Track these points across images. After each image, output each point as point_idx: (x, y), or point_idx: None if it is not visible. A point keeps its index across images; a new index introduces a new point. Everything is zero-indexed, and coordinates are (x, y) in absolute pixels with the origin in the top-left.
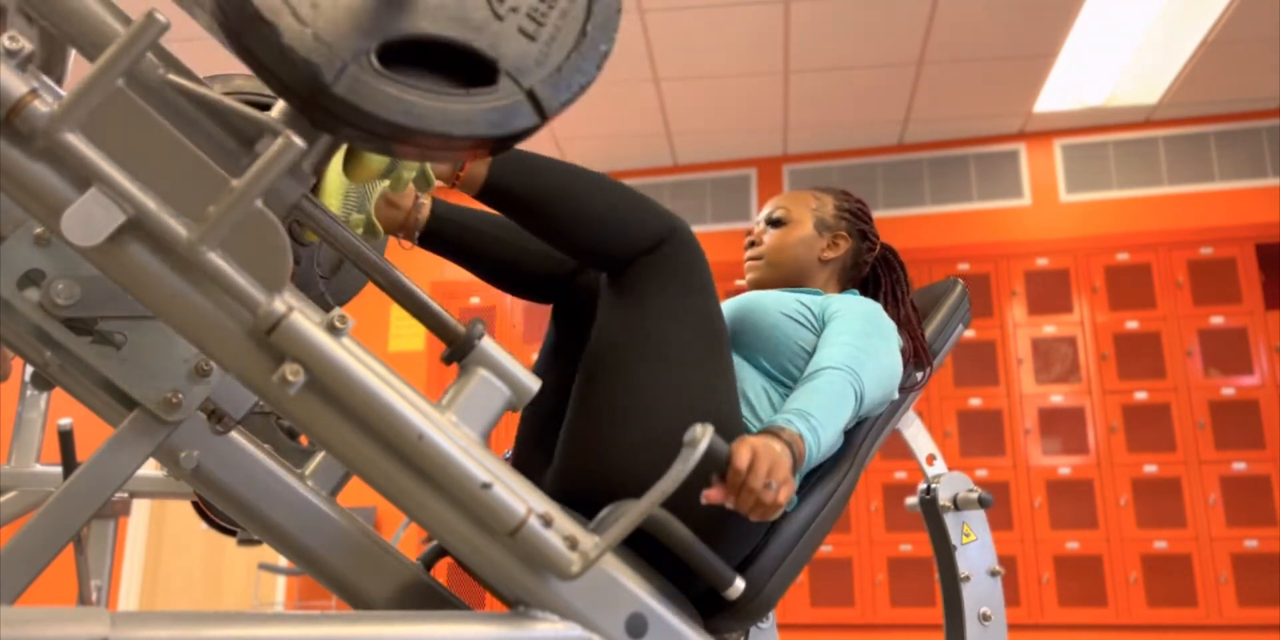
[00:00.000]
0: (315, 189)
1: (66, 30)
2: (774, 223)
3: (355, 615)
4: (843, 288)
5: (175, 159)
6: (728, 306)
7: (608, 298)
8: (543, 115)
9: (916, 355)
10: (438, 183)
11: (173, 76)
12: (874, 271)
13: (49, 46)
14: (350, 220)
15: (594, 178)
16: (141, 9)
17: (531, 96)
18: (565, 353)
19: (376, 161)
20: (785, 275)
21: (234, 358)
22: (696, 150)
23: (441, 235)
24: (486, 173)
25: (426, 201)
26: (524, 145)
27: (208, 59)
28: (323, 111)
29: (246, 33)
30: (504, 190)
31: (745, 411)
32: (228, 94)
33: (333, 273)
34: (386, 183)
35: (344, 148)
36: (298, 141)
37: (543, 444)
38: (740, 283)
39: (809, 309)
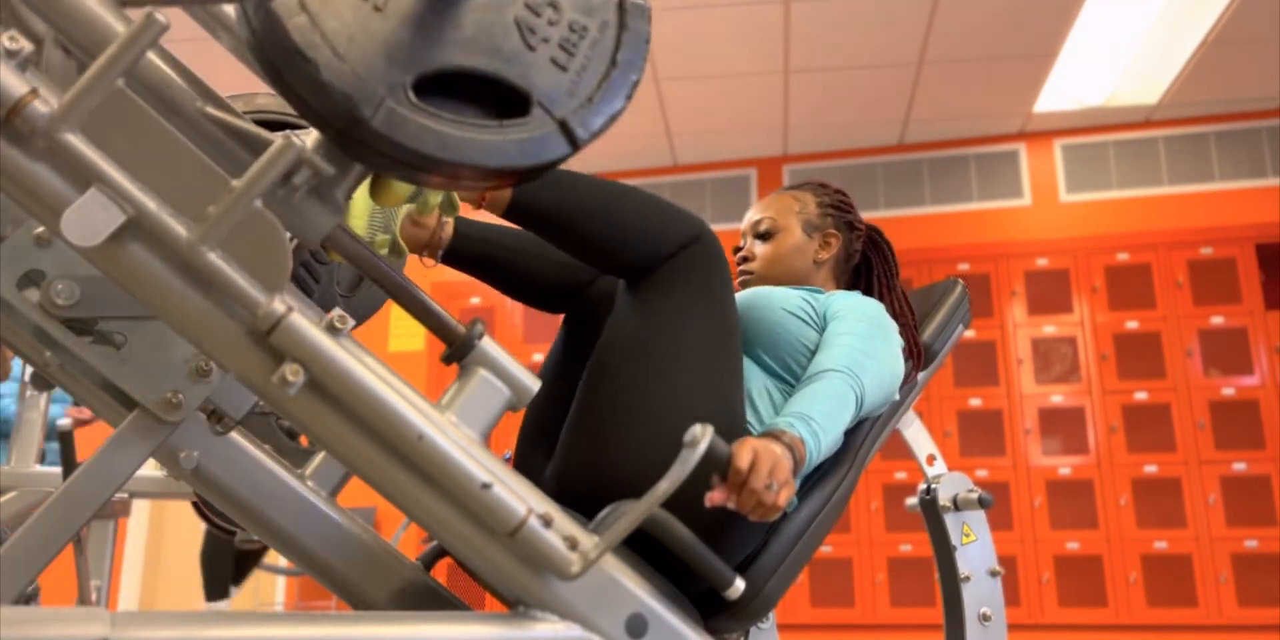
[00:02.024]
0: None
1: (66, 30)
2: (763, 236)
3: (355, 615)
4: (840, 282)
5: (175, 159)
6: None
7: (624, 299)
8: (574, 145)
9: (910, 349)
10: (462, 204)
11: (210, 109)
12: (864, 256)
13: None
14: (375, 241)
15: (615, 187)
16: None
17: (564, 126)
18: (573, 358)
19: (403, 187)
20: (783, 285)
21: (234, 358)
22: (696, 150)
23: (465, 252)
24: (512, 193)
25: (450, 220)
26: None
27: (204, 57)
28: (358, 144)
29: (284, 65)
30: (530, 208)
31: (747, 412)
32: (250, 112)
33: (351, 291)
34: (412, 206)
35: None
36: (297, 142)
37: (543, 446)
38: (737, 284)
39: (812, 306)
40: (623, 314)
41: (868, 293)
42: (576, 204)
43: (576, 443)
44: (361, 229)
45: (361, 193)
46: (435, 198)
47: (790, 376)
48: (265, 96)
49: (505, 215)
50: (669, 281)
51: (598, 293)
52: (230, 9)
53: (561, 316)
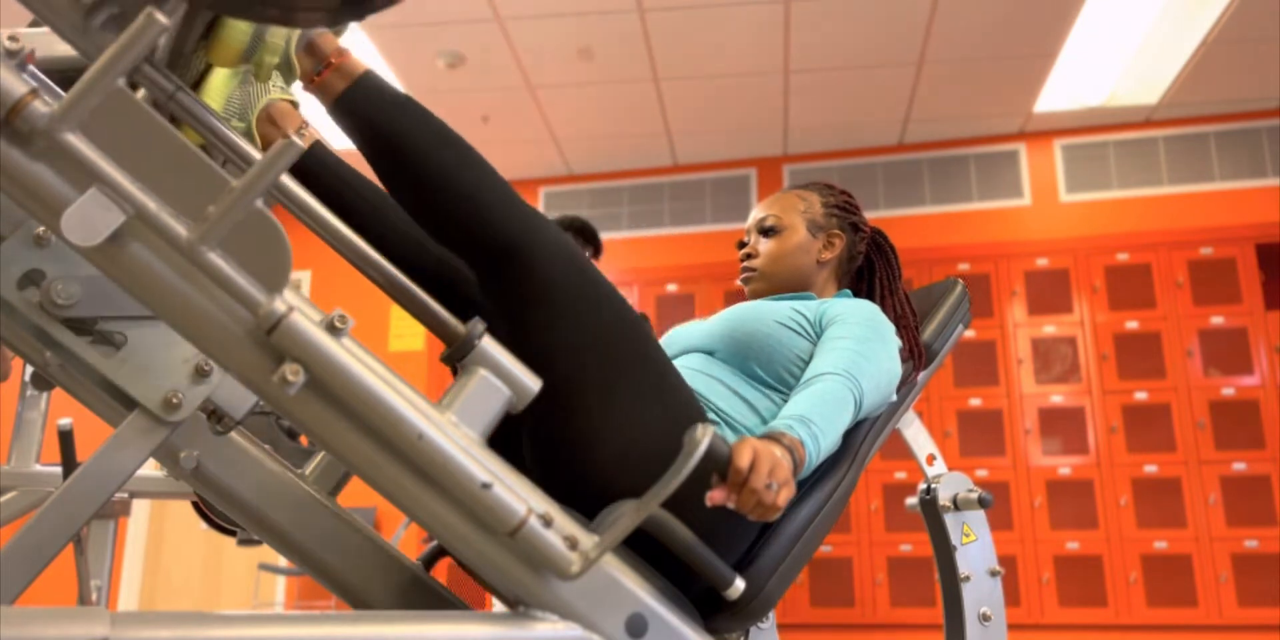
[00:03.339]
0: (197, 88)
1: (50, 18)
2: (767, 232)
3: (355, 615)
4: (840, 283)
5: (175, 159)
6: (721, 318)
7: (510, 322)
8: None
9: (910, 350)
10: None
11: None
12: (866, 258)
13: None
14: (230, 124)
15: (467, 151)
16: None
17: None
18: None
19: (236, 41)
20: (785, 283)
21: (234, 358)
22: (696, 150)
23: (310, 173)
24: (346, 86)
25: (311, 134)
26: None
27: None
28: None
29: None
30: (358, 112)
31: (745, 417)
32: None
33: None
34: (270, 96)
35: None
36: (297, 141)
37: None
38: (739, 283)
39: (804, 316)
40: (525, 346)
41: (869, 295)
42: (413, 135)
43: (553, 467)
44: (217, 109)
45: (220, 76)
46: (271, 57)
47: (785, 387)
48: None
49: (331, 109)
50: (549, 305)
51: (472, 295)
52: None
53: None
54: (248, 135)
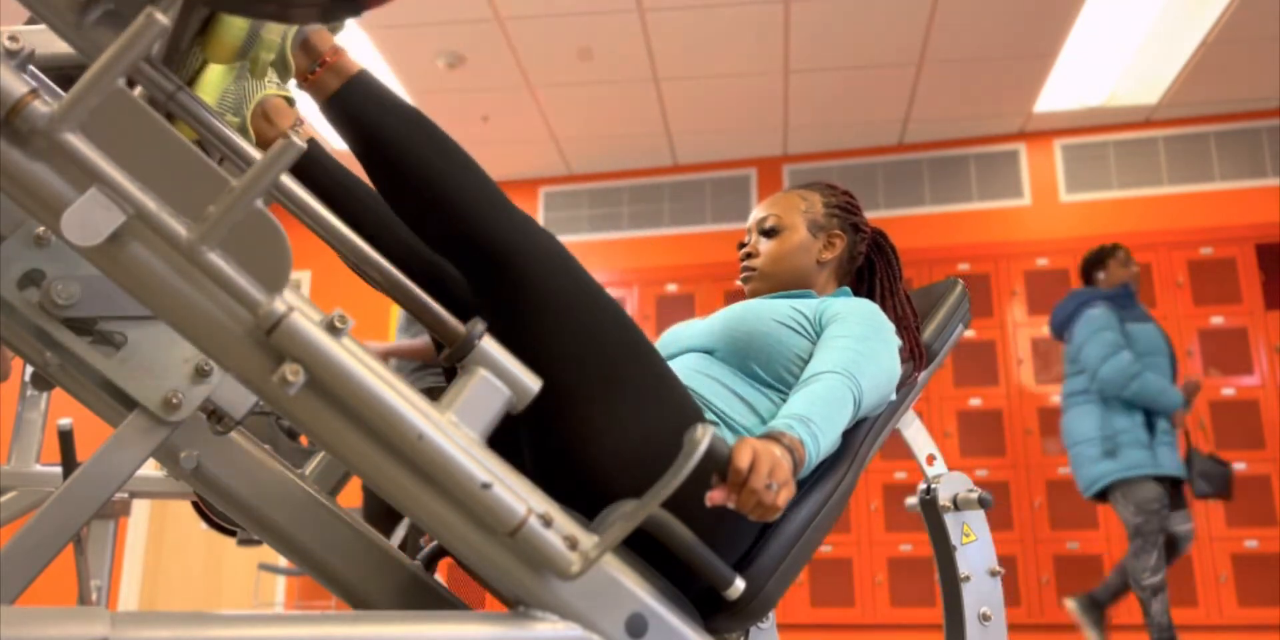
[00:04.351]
0: (191, 84)
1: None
2: (768, 232)
3: (355, 615)
4: (841, 283)
5: (175, 159)
6: (720, 317)
7: (502, 326)
8: None
9: (911, 350)
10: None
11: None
12: (867, 258)
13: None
14: (225, 119)
15: (458, 154)
16: None
17: None
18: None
19: (232, 37)
20: (785, 283)
21: (234, 358)
22: (696, 150)
23: (305, 171)
24: (340, 85)
25: (305, 131)
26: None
27: None
28: None
29: None
30: (350, 111)
31: (744, 416)
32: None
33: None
34: (266, 92)
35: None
36: (297, 141)
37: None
38: (739, 283)
39: (804, 315)
40: (524, 351)
41: (869, 295)
42: (404, 136)
43: (550, 469)
44: (212, 103)
45: (216, 71)
46: (268, 54)
47: (784, 386)
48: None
49: (324, 107)
50: (545, 312)
51: (459, 295)
52: None
53: None
54: (242, 130)
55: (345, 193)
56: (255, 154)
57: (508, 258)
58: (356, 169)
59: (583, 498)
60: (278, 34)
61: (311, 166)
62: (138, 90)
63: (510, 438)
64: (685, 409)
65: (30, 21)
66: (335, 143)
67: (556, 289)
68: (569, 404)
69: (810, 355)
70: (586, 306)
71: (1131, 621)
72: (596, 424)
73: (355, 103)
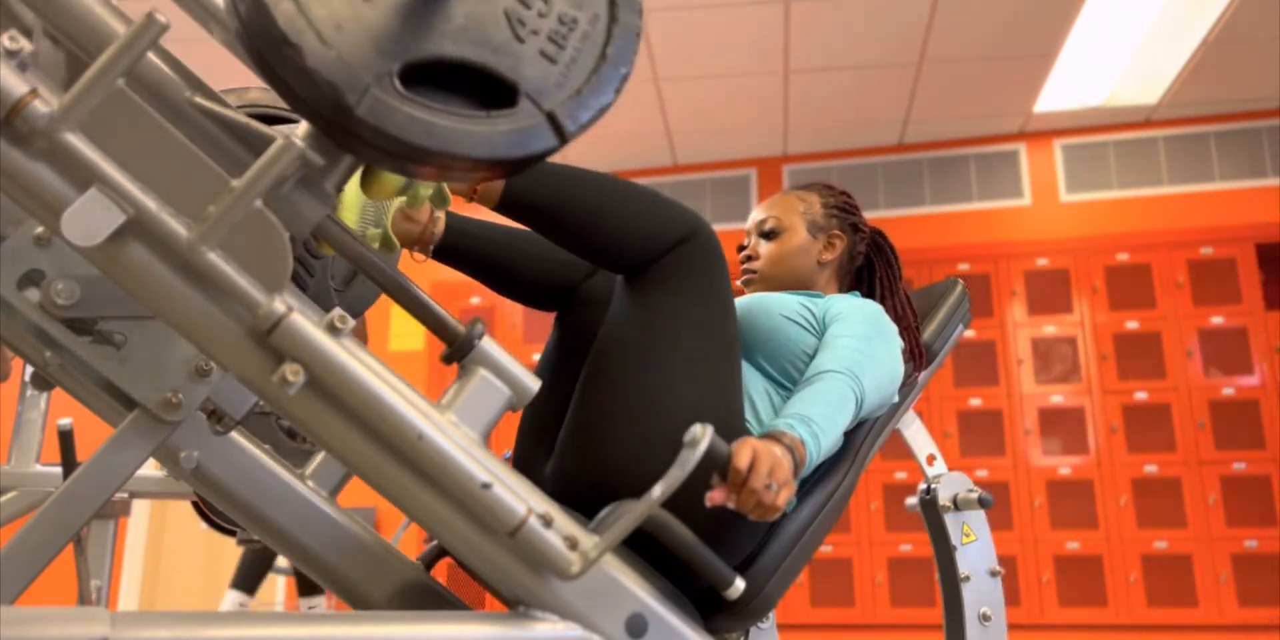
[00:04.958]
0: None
1: (66, 30)
2: (767, 234)
3: (355, 615)
4: (841, 284)
5: (175, 159)
6: None
7: (622, 296)
8: (562, 138)
9: (911, 351)
10: (454, 198)
11: (198, 98)
12: (867, 258)
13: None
14: (367, 234)
15: (611, 182)
16: (148, 9)
17: (551, 119)
18: (569, 356)
19: (394, 179)
20: (785, 284)
21: (234, 358)
22: (696, 150)
23: (456, 248)
24: (504, 186)
25: (441, 215)
26: None
27: (205, 58)
28: (345, 132)
29: (270, 53)
30: (522, 201)
31: (749, 411)
32: (242, 106)
33: (346, 285)
34: (403, 199)
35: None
36: (298, 142)
37: (543, 445)
38: (739, 284)
39: (810, 311)
40: (620, 312)
41: (869, 295)
42: (570, 197)
43: (576, 443)
44: (353, 222)
45: (353, 186)
46: (426, 190)
47: (789, 382)
48: (257, 90)
49: (498, 208)
50: (666, 279)
51: (591, 290)
52: (221, 1)
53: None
54: (385, 239)
55: (493, 248)
56: (382, 262)
57: (690, 236)
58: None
59: (595, 490)
60: None
61: (470, 243)
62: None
63: (535, 436)
64: (730, 415)
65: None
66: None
67: (706, 271)
68: (645, 369)
69: (816, 351)
70: (718, 292)
71: (1128, 621)
72: (656, 395)
73: (522, 196)
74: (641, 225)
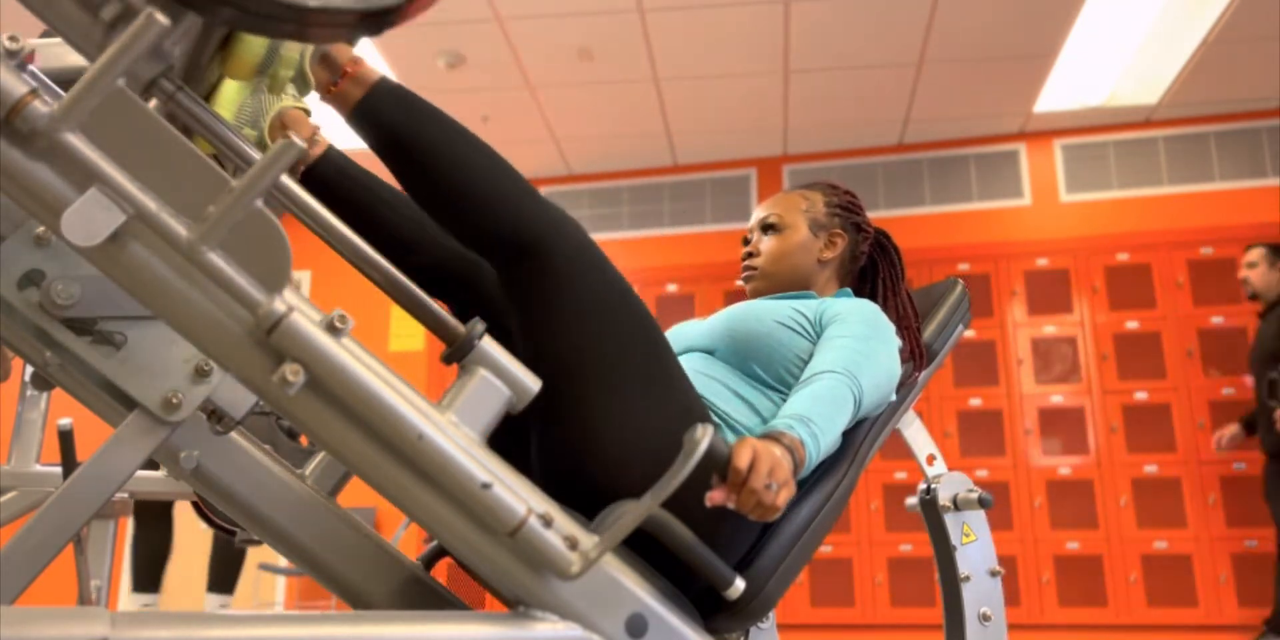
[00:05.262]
0: (209, 98)
1: (65, 30)
2: (768, 229)
3: (355, 615)
4: (842, 283)
5: (175, 159)
6: (721, 317)
7: (525, 319)
8: None
9: (911, 351)
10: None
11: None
12: (870, 258)
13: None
14: (242, 133)
15: (485, 150)
16: None
17: None
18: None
19: (251, 55)
20: (786, 282)
21: (234, 358)
22: (696, 150)
23: (325, 178)
24: (363, 94)
25: (324, 140)
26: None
27: None
28: None
29: None
30: (376, 119)
31: (745, 417)
32: None
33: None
34: (283, 101)
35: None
36: (297, 141)
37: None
38: (740, 283)
39: (804, 315)
40: (534, 337)
41: (872, 295)
42: (429, 139)
43: (555, 461)
44: (229, 118)
45: (231, 86)
46: (286, 70)
47: (785, 387)
48: None
49: (350, 117)
50: (561, 294)
51: (482, 289)
52: None
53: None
54: (260, 144)
55: (372, 196)
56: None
57: (536, 247)
58: (379, 170)
59: (586, 495)
60: (296, 50)
61: (336, 176)
62: (152, 102)
63: (517, 439)
64: (693, 409)
65: (45, 34)
66: (349, 146)
67: (581, 280)
68: (585, 393)
69: (811, 356)
70: (610, 300)
71: (1128, 621)
72: (608, 416)
73: (380, 110)
74: (514, 200)
